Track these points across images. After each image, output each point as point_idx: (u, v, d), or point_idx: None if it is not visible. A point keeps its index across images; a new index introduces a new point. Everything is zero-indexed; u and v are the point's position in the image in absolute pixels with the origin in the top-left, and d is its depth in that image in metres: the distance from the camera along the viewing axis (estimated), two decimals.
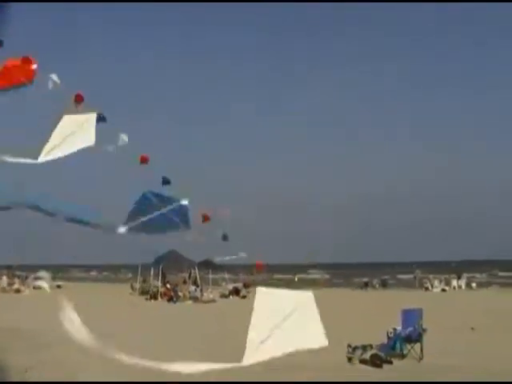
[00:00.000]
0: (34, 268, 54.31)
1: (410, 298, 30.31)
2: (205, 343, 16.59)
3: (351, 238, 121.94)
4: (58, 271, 73.75)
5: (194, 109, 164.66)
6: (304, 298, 5.98)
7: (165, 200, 6.25)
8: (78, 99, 6.43)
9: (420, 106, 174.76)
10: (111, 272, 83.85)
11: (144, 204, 6.23)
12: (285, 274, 65.65)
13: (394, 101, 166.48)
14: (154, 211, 6.17)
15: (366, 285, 53.06)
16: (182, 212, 6.23)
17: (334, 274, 76.62)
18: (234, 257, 5.93)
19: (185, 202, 6.23)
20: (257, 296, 5.94)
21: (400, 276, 66.70)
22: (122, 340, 17.11)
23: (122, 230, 6.08)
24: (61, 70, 6.23)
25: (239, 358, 5.77)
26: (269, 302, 5.91)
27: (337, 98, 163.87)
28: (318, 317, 5.89)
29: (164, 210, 6.15)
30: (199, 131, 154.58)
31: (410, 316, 15.67)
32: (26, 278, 50.98)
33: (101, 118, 6.37)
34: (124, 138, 6.21)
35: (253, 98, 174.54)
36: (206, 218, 6.00)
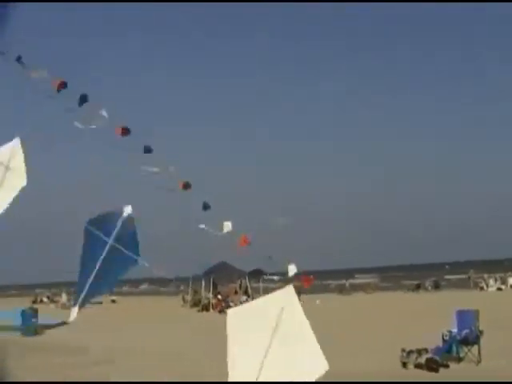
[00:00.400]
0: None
1: (464, 299, 29.66)
2: None
3: (399, 239, 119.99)
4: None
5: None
6: (286, 295, 5.65)
7: (107, 221, 5.78)
8: (123, 132, 6.23)
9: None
10: (160, 285, 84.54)
11: (92, 248, 5.75)
12: (333, 280, 65.13)
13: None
14: (103, 251, 5.71)
15: (417, 287, 52.24)
16: (130, 237, 5.80)
17: (381, 277, 75.57)
18: (275, 277, 5.77)
19: (128, 211, 5.80)
20: (228, 321, 5.49)
21: (448, 276, 65.43)
22: (182, 353, 17.27)
23: (74, 313, 5.78)
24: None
25: None
26: (244, 321, 5.50)
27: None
28: (307, 324, 5.47)
29: (111, 240, 5.70)
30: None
31: (466, 317, 15.32)
32: None
33: (147, 150, 6.20)
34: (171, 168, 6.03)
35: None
36: (244, 242, 5.81)
